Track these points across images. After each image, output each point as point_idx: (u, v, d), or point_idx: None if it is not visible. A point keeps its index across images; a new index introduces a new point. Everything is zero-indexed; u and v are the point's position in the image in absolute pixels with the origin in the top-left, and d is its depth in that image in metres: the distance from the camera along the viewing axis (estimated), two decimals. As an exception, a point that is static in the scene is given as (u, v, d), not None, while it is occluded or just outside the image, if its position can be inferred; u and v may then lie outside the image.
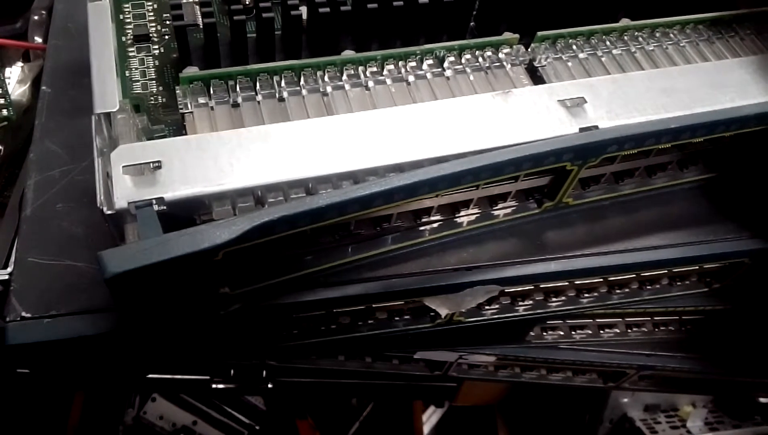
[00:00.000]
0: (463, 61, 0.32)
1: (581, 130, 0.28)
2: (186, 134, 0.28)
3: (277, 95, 0.29)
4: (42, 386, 0.52)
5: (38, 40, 0.43)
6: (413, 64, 0.31)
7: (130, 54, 0.32)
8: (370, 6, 0.31)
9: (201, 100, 0.29)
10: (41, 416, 0.58)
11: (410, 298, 0.31)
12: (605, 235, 0.32)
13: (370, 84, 0.30)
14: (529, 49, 0.33)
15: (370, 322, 0.32)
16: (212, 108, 0.29)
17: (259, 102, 0.29)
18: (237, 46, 0.32)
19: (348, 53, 0.31)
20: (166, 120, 0.30)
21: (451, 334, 0.35)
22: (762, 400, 0.58)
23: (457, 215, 0.30)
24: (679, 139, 0.28)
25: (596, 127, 0.28)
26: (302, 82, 0.30)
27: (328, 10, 0.31)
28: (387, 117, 0.28)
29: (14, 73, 0.43)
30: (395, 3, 0.32)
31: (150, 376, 0.50)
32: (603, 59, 0.33)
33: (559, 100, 0.29)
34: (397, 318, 0.33)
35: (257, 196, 0.25)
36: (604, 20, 0.34)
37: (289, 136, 0.26)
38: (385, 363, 0.48)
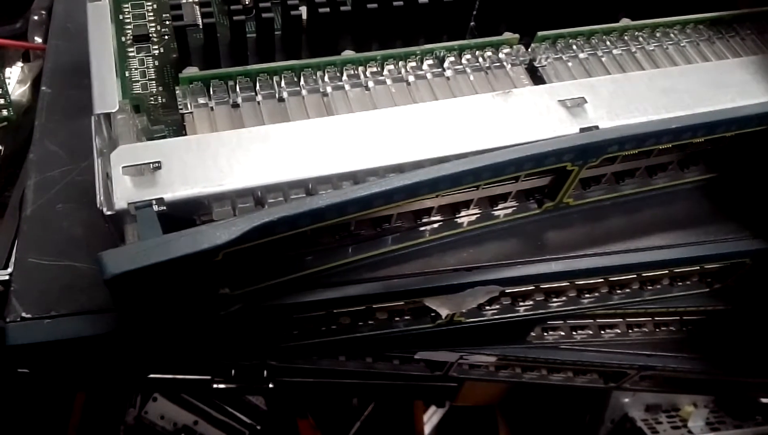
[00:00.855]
0: (463, 61, 0.32)
1: (582, 130, 0.28)
2: (186, 135, 0.28)
3: (276, 95, 0.29)
4: (43, 386, 0.53)
5: (38, 40, 0.43)
6: (413, 64, 0.31)
7: (130, 54, 0.32)
8: (370, 6, 0.31)
9: (201, 101, 0.29)
10: (42, 416, 0.58)
11: (411, 299, 0.31)
12: (606, 236, 0.32)
13: (370, 84, 0.30)
14: (530, 49, 0.33)
15: (370, 322, 0.32)
16: (212, 108, 0.29)
17: (258, 102, 0.29)
18: (237, 47, 0.32)
19: (348, 53, 0.31)
20: (165, 120, 0.30)
21: (452, 335, 0.35)
22: (763, 400, 0.57)
23: (457, 215, 0.30)
24: (680, 139, 0.28)
25: (596, 127, 0.28)
26: (302, 82, 0.30)
27: (327, 10, 0.31)
28: (387, 117, 0.28)
29: (14, 73, 0.43)
30: (395, 3, 0.31)
31: (151, 376, 0.50)
32: (603, 59, 0.33)
33: (559, 100, 0.29)
34: (397, 318, 0.33)
35: (257, 196, 0.25)
36: (605, 20, 0.34)
37: (289, 137, 0.26)
38: (386, 363, 0.48)
